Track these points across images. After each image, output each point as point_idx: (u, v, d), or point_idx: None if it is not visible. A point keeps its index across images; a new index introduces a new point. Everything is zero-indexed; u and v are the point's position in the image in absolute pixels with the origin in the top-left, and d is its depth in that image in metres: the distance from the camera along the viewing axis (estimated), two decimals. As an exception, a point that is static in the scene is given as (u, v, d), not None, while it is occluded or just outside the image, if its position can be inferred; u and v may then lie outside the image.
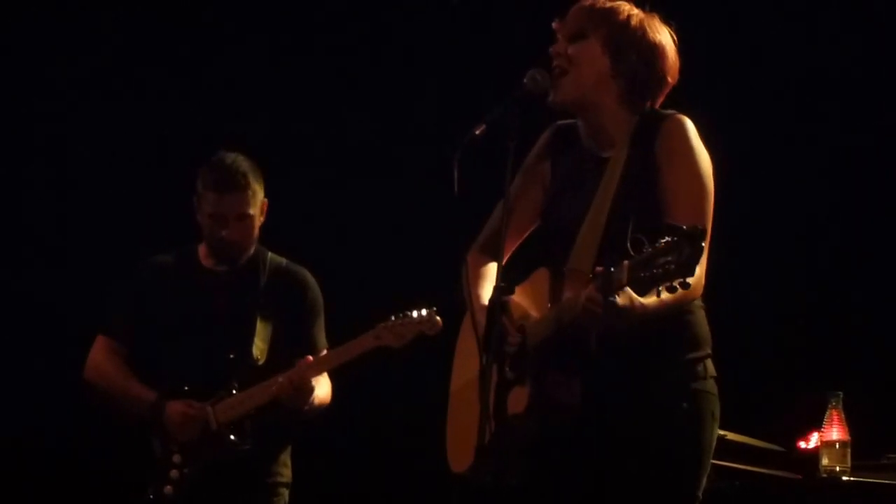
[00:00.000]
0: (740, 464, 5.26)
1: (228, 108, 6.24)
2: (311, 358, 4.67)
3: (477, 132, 3.37)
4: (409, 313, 4.69)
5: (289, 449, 4.84)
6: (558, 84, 3.56)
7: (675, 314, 3.44)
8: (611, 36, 3.57)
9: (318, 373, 4.70)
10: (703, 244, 2.99)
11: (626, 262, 3.10)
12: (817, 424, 5.19)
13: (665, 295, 3.08)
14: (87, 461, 6.08)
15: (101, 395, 4.85)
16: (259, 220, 4.85)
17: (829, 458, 5.09)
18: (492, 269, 3.68)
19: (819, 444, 5.16)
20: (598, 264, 3.27)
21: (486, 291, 3.60)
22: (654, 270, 3.02)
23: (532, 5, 4.30)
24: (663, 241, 3.01)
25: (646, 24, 3.60)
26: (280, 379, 4.62)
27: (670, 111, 3.60)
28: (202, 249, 4.89)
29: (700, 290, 3.44)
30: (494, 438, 3.40)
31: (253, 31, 6.47)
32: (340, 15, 6.45)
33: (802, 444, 5.35)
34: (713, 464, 5.20)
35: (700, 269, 3.32)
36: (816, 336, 5.83)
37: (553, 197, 3.68)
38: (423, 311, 4.68)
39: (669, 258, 3.00)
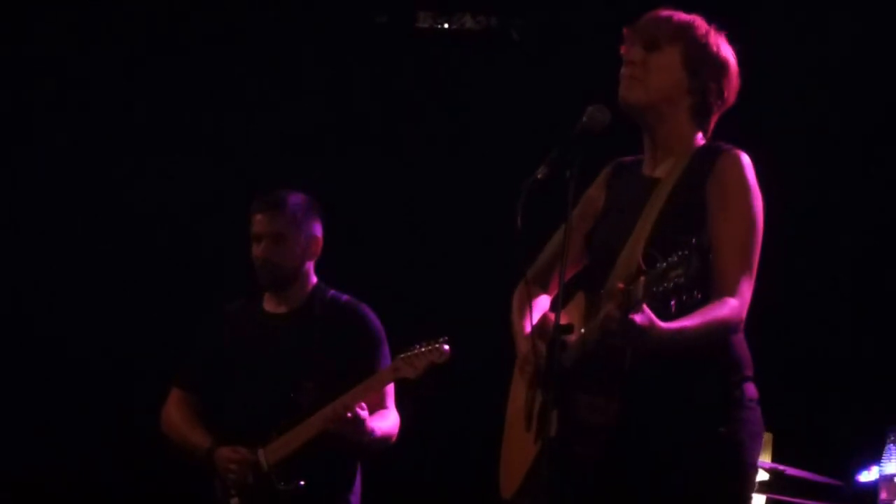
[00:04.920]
0: (798, 498, 5.24)
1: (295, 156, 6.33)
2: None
3: (539, 175, 3.37)
4: (421, 344, 4.67)
5: (354, 485, 4.81)
6: (632, 87, 3.55)
7: (714, 342, 3.41)
8: (690, 51, 3.56)
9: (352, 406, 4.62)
10: (710, 257, 3.03)
11: (641, 278, 3.11)
12: (876, 458, 5.19)
13: (698, 318, 3.13)
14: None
15: (171, 445, 4.96)
16: (302, 250, 4.81)
17: (888, 492, 5.08)
18: (541, 300, 3.70)
19: (878, 477, 5.16)
20: None
21: (531, 320, 3.58)
22: (666, 284, 3.04)
23: (593, 39, 4.27)
24: (675, 255, 3.04)
25: (719, 41, 3.60)
26: (325, 410, 4.61)
27: (729, 145, 3.56)
28: (267, 294, 4.92)
29: (740, 320, 3.38)
30: (535, 464, 3.42)
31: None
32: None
33: (861, 478, 5.34)
34: (772, 498, 5.27)
35: (741, 300, 3.34)
36: (875, 367, 5.80)
37: (599, 220, 3.68)
38: (433, 342, 4.66)
39: (680, 271, 3.02)
